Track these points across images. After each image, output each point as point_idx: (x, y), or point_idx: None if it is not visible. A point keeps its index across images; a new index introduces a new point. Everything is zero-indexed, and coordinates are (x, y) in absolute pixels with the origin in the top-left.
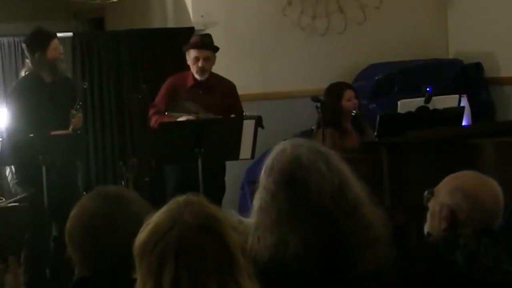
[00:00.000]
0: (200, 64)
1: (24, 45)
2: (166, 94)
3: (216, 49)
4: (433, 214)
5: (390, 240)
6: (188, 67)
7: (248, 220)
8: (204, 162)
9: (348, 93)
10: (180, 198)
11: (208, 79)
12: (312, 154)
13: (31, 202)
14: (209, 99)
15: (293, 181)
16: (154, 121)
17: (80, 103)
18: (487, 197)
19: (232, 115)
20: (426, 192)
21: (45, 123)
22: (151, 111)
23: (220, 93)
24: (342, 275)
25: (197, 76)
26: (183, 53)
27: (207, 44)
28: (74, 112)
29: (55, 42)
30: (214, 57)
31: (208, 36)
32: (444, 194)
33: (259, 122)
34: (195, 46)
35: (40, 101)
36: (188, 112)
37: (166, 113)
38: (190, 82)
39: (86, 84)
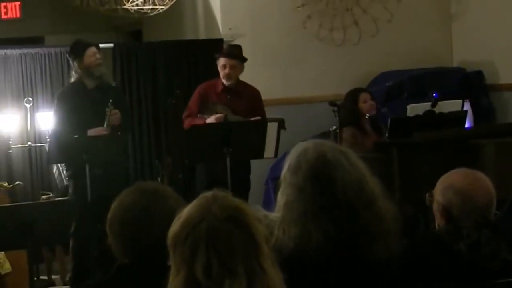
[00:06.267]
0: (226, 71)
1: (67, 56)
2: (198, 97)
3: (243, 59)
4: (435, 212)
5: (400, 231)
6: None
7: (273, 214)
8: (231, 160)
9: (363, 96)
10: (208, 193)
11: (236, 86)
12: (335, 152)
13: (77, 196)
14: (236, 104)
15: (321, 177)
16: (187, 123)
17: (111, 100)
18: (477, 190)
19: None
20: (427, 195)
21: (86, 125)
22: (185, 114)
23: (245, 99)
24: (358, 263)
25: (224, 82)
26: (214, 62)
27: (233, 54)
28: (108, 109)
29: (90, 50)
30: (241, 66)
31: (237, 47)
32: (438, 194)
33: (281, 124)
34: (224, 55)
35: (82, 106)
36: (217, 113)
37: (198, 115)
38: (219, 87)
39: (115, 82)
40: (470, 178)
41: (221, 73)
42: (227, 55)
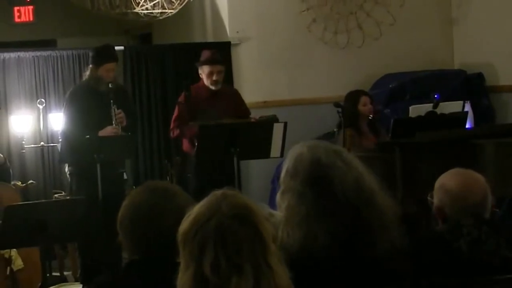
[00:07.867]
0: (214, 77)
1: (90, 53)
2: (187, 105)
3: (225, 62)
4: (434, 211)
5: (400, 224)
6: (199, 80)
7: (278, 213)
8: (238, 159)
9: (364, 99)
10: (218, 192)
11: (220, 88)
12: (328, 153)
13: (85, 195)
14: (223, 105)
15: (318, 179)
16: (177, 133)
17: (112, 101)
18: (467, 189)
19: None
20: (429, 195)
21: (95, 126)
22: (174, 124)
23: (229, 100)
24: (363, 259)
25: (212, 88)
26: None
27: (218, 59)
28: (113, 111)
29: (109, 65)
30: (224, 69)
31: (217, 51)
32: (434, 195)
33: (275, 120)
34: (209, 62)
35: (90, 107)
36: (208, 119)
37: (190, 123)
38: (205, 93)
39: (110, 85)
40: (460, 178)
41: (207, 80)
42: (212, 62)
